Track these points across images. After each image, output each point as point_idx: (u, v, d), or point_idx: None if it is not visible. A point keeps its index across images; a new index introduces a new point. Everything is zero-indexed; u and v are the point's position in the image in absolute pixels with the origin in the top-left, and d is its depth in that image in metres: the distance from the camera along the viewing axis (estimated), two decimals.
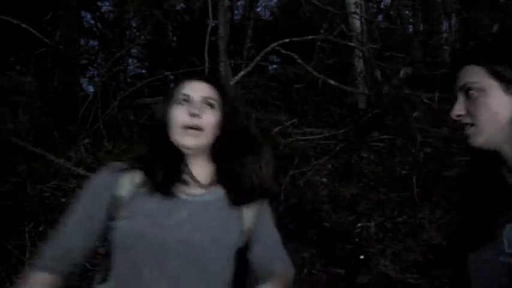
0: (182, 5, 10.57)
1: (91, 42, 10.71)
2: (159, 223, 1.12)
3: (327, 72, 6.42)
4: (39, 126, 5.26)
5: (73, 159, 4.83)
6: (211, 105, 1.22)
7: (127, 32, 9.34)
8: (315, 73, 4.85)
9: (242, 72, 4.35)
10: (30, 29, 4.71)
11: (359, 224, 4.10)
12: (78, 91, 6.35)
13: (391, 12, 7.97)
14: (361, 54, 5.76)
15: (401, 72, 5.29)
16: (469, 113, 0.98)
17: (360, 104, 5.94)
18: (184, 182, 1.20)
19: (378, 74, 5.59)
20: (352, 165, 5.05)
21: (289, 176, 4.99)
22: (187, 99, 1.21)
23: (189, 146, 1.19)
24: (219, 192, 1.22)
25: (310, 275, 3.99)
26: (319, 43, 7.49)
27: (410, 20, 8.66)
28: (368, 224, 4.05)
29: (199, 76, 1.29)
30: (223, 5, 4.36)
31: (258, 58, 4.37)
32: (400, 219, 4.08)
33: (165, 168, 1.19)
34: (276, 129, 5.80)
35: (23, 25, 4.66)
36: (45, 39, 4.97)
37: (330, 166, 5.18)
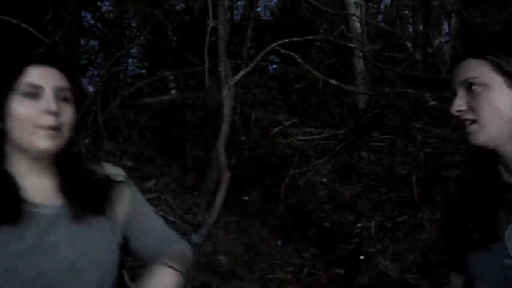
0: (182, 5, 10.56)
1: (91, 42, 10.70)
2: (30, 253, 0.89)
3: (327, 72, 6.43)
4: None
5: None
6: (66, 99, 0.96)
7: (127, 32, 9.34)
8: (315, 73, 4.85)
9: (242, 72, 4.35)
10: (30, 29, 4.71)
11: (359, 224, 4.10)
12: None
13: (391, 13, 7.97)
14: (361, 54, 5.76)
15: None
16: (470, 108, 0.93)
17: (360, 104, 5.94)
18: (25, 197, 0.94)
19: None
20: (352, 165, 5.05)
21: (289, 176, 4.99)
22: (36, 92, 0.93)
23: (43, 149, 0.93)
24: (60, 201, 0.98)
25: (310, 275, 3.99)
26: (318, 43, 7.50)
27: (410, 20, 8.66)
28: (368, 224, 4.06)
29: (47, 60, 0.98)
30: (223, 5, 4.36)
31: (258, 58, 4.37)
32: (400, 219, 4.08)
33: (5, 187, 0.92)
34: (276, 129, 5.80)
35: (23, 25, 4.66)
36: (45, 39, 4.96)
37: (330, 166, 5.18)
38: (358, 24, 5.98)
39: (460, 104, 0.94)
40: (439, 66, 5.91)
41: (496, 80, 0.91)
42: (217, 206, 4.15)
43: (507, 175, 0.95)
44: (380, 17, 8.51)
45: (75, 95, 0.99)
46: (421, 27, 7.67)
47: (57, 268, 0.91)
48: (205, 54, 7.19)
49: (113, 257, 0.99)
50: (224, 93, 4.12)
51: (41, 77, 0.94)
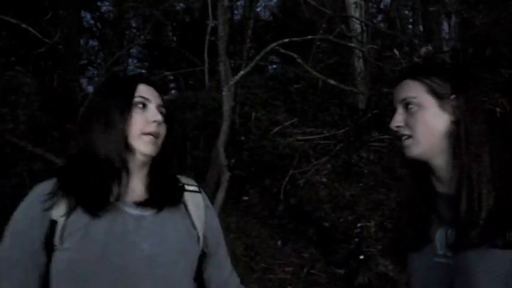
0: (182, 5, 10.56)
1: (91, 42, 10.71)
2: (116, 245, 1.02)
3: (327, 72, 6.42)
4: (39, 126, 5.26)
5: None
6: (162, 115, 1.16)
7: (127, 32, 9.35)
8: (315, 73, 4.85)
9: (242, 72, 4.34)
10: (30, 29, 4.71)
11: (359, 224, 4.10)
12: (78, 91, 6.35)
13: (391, 14, 7.97)
14: (361, 54, 5.76)
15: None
16: (407, 125, 1.05)
17: (360, 104, 5.94)
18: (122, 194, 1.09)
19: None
20: (352, 165, 5.05)
21: (289, 176, 4.99)
22: (145, 103, 1.13)
23: (146, 152, 1.11)
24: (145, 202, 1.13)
25: (310, 275, 4.00)
26: (318, 43, 7.49)
27: (410, 20, 8.66)
28: (368, 224, 4.05)
29: (151, 81, 1.21)
30: (223, 5, 4.35)
31: (258, 58, 4.36)
32: None
33: (104, 182, 1.07)
34: (276, 129, 5.80)
35: (23, 25, 4.66)
36: (45, 39, 4.96)
37: (330, 166, 5.18)
38: (357, 24, 5.98)
39: (398, 120, 1.07)
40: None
41: (429, 101, 1.03)
42: (217, 206, 4.15)
43: (438, 184, 1.08)
44: (380, 17, 8.50)
45: (166, 114, 1.18)
46: (421, 27, 7.67)
47: (138, 263, 1.02)
48: (205, 54, 7.19)
49: (191, 256, 1.12)
50: (224, 93, 4.11)
51: (148, 93, 1.15)
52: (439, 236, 1.03)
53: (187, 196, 1.18)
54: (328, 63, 7.51)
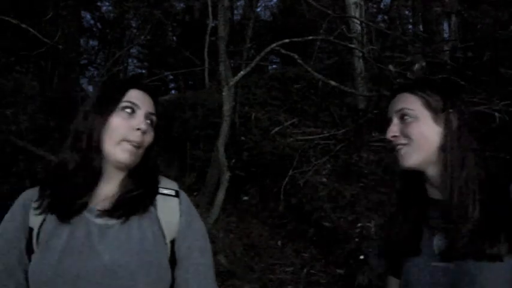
0: (182, 5, 10.57)
1: (91, 42, 10.74)
2: (74, 253, 1.00)
3: (327, 72, 6.43)
4: (39, 126, 5.27)
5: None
6: (151, 123, 1.12)
7: (127, 32, 9.35)
8: (315, 74, 4.85)
9: (242, 72, 4.34)
10: (30, 29, 4.71)
11: (359, 224, 4.10)
12: (78, 91, 6.36)
13: (390, 14, 7.97)
14: (361, 54, 5.76)
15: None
16: (403, 134, 1.10)
17: (360, 104, 5.94)
18: (93, 203, 1.07)
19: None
20: (352, 165, 5.05)
21: (289, 176, 4.99)
22: (133, 109, 1.09)
23: (121, 160, 1.06)
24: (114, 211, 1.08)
25: (310, 275, 4.00)
26: (318, 43, 7.50)
27: (410, 20, 8.66)
28: (368, 224, 4.05)
29: (144, 86, 1.15)
30: (223, 5, 4.36)
31: (258, 58, 4.36)
32: None
33: (76, 189, 1.05)
34: (276, 129, 5.80)
35: (23, 25, 4.66)
36: (45, 39, 4.97)
37: (329, 166, 5.18)
38: (358, 25, 5.98)
39: (394, 130, 1.11)
40: (438, 67, 5.91)
41: (425, 114, 1.09)
42: (217, 206, 4.15)
43: (432, 190, 1.13)
44: (379, 17, 8.51)
45: (158, 121, 1.13)
46: (421, 27, 7.67)
47: (97, 273, 0.98)
48: (205, 54, 7.19)
49: (156, 268, 1.04)
50: (224, 93, 4.11)
51: (139, 98, 1.10)
52: (437, 241, 1.07)
53: (159, 200, 1.11)
54: (328, 64, 7.51)
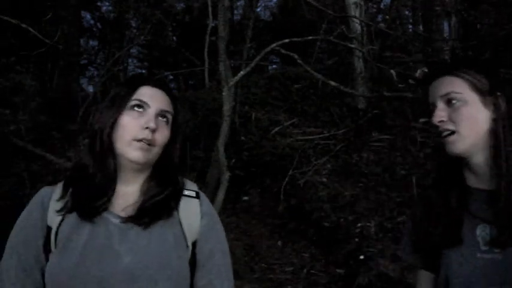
0: (182, 5, 10.57)
1: (91, 42, 10.73)
2: (94, 255, 0.98)
3: (327, 72, 6.42)
4: (39, 126, 5.27)
5: (73, 159, 4.83)
6: (166, 121, 1.09)
7: (127, 32, 9.35)
8: (315, 74, 4.85)
9: (242, 72, 4.34)
10: (30, 29, 4.71)
11: (359, 224, 4.10)
12: (78, 91, 6.36)
13: (390, 15, 7.97)
14: (361, 54, 5.76)
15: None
16: (451, 120, 1.05)
17: (360, 104, 5.94)
18: (115, 204, 1.06)
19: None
20: (352, 165, 5.05)
21: (289, 176, 4.99)
22: (142, 107, 1.06)
23: (133, 159, 1.04)
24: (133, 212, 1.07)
25: (310, 275, 4.00)
26: (318, 43, 7.49)
27: (410, 20, 8.67)
28: (368, 224, 4.05)
29: (158, 83, 1.11)
30: (223, 5, 4.35)
31: (258, 58, 4.36)
32: (400, 219, 4.08)
33: (95, 189, 1.04)
34: (276, 129, 5.80)
35: (23, 25, 4.66)
36: (45, 39, 4.97)
37: (329, 166, 5.18)
38: (357, 25, 5.98)
39: (441, 115, 1.05)
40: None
41: (473, 97, 1.04)
42: (217, 206, 4.15)
43: (473, 179, 1.08)
44: (379, 17, 8.51)
45: (174, 118, 1.11)
46: (421, 27, 7.67)
47: (117, 275, 0.97)
48: (205, 54, 7.20)
49: (176, 272, 1.03)
50: (224, 93, 4.11)
51: (150, 96, 1.07)
52: (480, 232, 1.03)
53: (182, 202, 1.11)
54: (328, 64, 7.51)
